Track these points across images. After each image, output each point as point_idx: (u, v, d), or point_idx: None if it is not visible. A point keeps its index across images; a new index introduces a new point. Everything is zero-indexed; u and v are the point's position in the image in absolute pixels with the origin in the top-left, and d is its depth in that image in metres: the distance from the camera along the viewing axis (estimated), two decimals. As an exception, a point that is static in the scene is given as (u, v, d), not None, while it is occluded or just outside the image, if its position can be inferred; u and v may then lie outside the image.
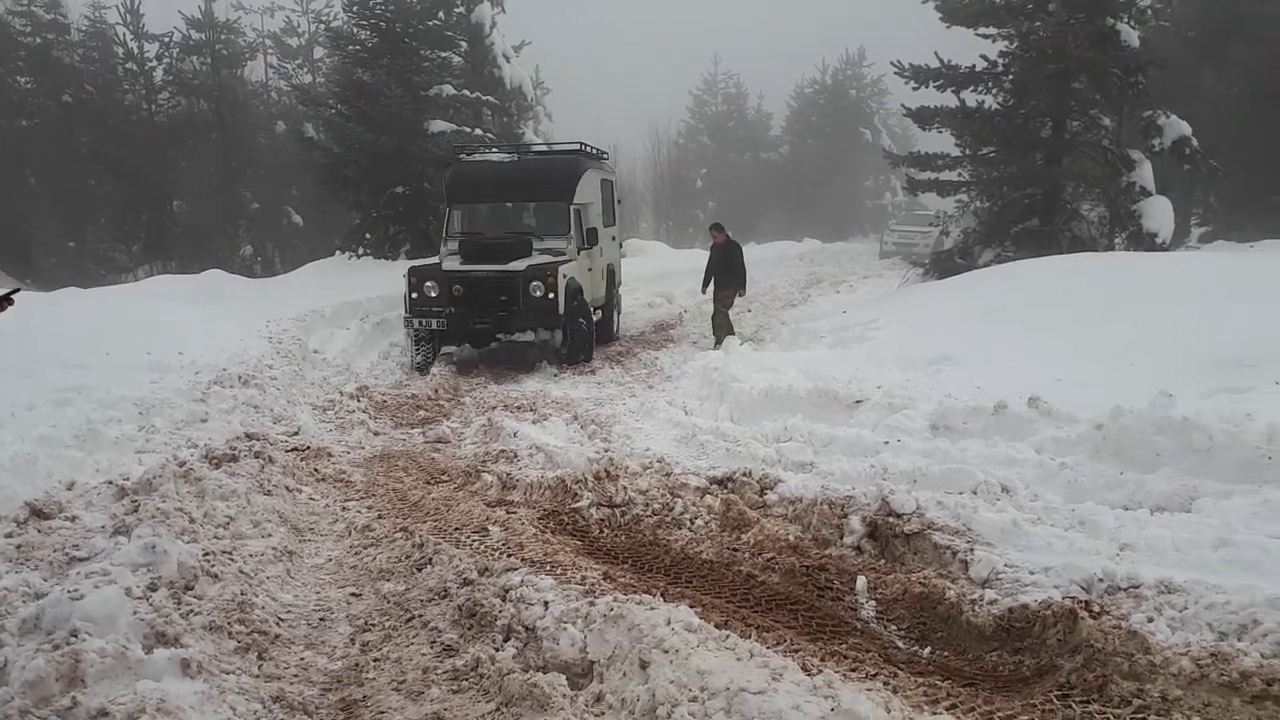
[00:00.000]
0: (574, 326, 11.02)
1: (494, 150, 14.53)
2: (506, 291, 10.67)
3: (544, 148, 14.79)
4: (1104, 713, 3.12)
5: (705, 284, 12.78)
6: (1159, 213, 15.68)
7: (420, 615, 4.15)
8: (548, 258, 11.22)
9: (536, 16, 32.94)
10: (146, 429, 7.12)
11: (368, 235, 21.08)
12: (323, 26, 30.62)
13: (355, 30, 23.27)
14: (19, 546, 4.59)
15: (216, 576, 4.27)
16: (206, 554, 4.44)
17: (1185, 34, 25.50)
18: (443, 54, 23.40)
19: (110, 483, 5.62)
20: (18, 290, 2.57)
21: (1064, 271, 11.25)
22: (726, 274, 12.47)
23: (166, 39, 31.75)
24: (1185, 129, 16.13)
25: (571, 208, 11.87)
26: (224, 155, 31.25)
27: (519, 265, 10.84)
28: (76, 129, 28.50)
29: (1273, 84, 23.92)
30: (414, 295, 10.84)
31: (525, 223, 12.33)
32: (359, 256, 20.17)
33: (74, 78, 29.75)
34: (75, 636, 3.41)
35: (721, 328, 12.23)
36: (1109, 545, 4.23)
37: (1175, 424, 5.31)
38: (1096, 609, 3.59)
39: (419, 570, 4.61)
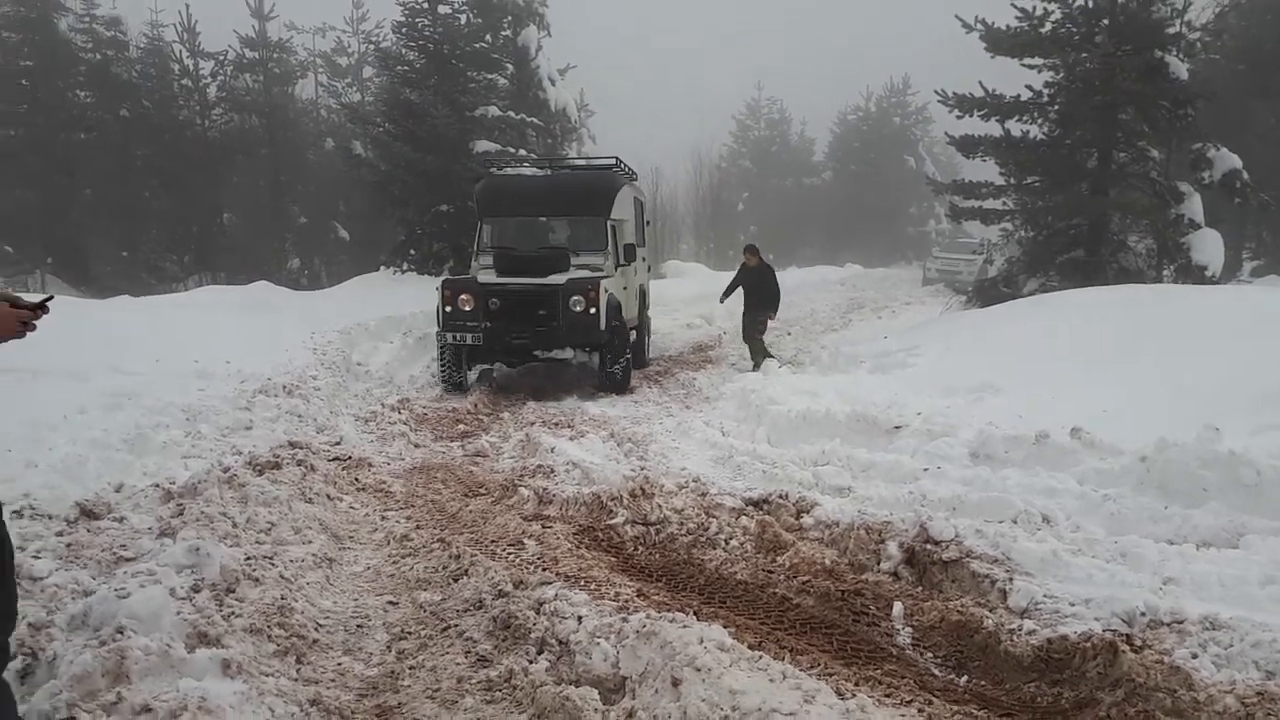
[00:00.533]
0: (613, 348, 10.61)
1: (525, 164, 14.26)
2: (545, 305, 10.26)
3: (581, 162, 14.61)
4: (1144, 748, 3.07)
5: (725, 296, 13.18)
6: (1209, 246, 15.45)
7: (456, 625, 4.18)
8: (586, 272, 10.87)
9: (582, 40, 33.30)
10: (193, 435, 7.25)
11: (412, 251, 21.36)
12: (372, 47, 31.19)
13: (404, 51, 23.70)
14: (69, 545, 4.70)
15: (258, 580, 4.33)
16: (248, 558, 4.52)
17: (1235, 67, 25.19)
18: (489, 76, 23.73)
19: (157, 486, 5.74)
20: (50, 298, 2.65)
21: (1110, 302, 11.11)
22: (759, 297, 12.39)
23: (221, 57, 32.53)
24: (1236, 162, 15.91)
25: (609, 223, 11.59)
26: (273, 170, 31.87)
27: (558, 278, 10.46)
28: (132, 143, 29.21)
29: (1328, 118, 23.48)
30: (448, 309, 10.39)
31: (559, 238, 12.02)
32: (403, 272, 20.45)
33: (131, 93, 30.52)
34: (121, 634, 3.48)
35: (759, 351, 12.22)
36: (1152, 579, 4.16)
37: (1222, 458, 5.22)
38: (1138, 643, 3.53)
39: (455, 581, 4.65)
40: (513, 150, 21.28)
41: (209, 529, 4.84)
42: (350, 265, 28.37)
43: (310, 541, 5.15)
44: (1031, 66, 17.25)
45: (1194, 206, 15.75)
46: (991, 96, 17.11)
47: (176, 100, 32.35)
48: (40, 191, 26.24)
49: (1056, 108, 16.97)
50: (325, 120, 35.98)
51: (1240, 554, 4.41)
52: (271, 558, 4.68)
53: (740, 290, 12.73)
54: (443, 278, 10.95)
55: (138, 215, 29.80)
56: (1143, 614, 3.76)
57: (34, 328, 2.54)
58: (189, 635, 3.64)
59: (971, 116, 17.51)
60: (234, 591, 4.15)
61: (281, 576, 4.51)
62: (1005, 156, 17.11)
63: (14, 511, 5.06)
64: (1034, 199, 17.28)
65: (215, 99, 33.00)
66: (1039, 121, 17.25)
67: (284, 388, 9.05)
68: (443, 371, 10.82)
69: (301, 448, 6.83)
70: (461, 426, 8.96)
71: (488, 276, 10.67)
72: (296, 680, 3.63)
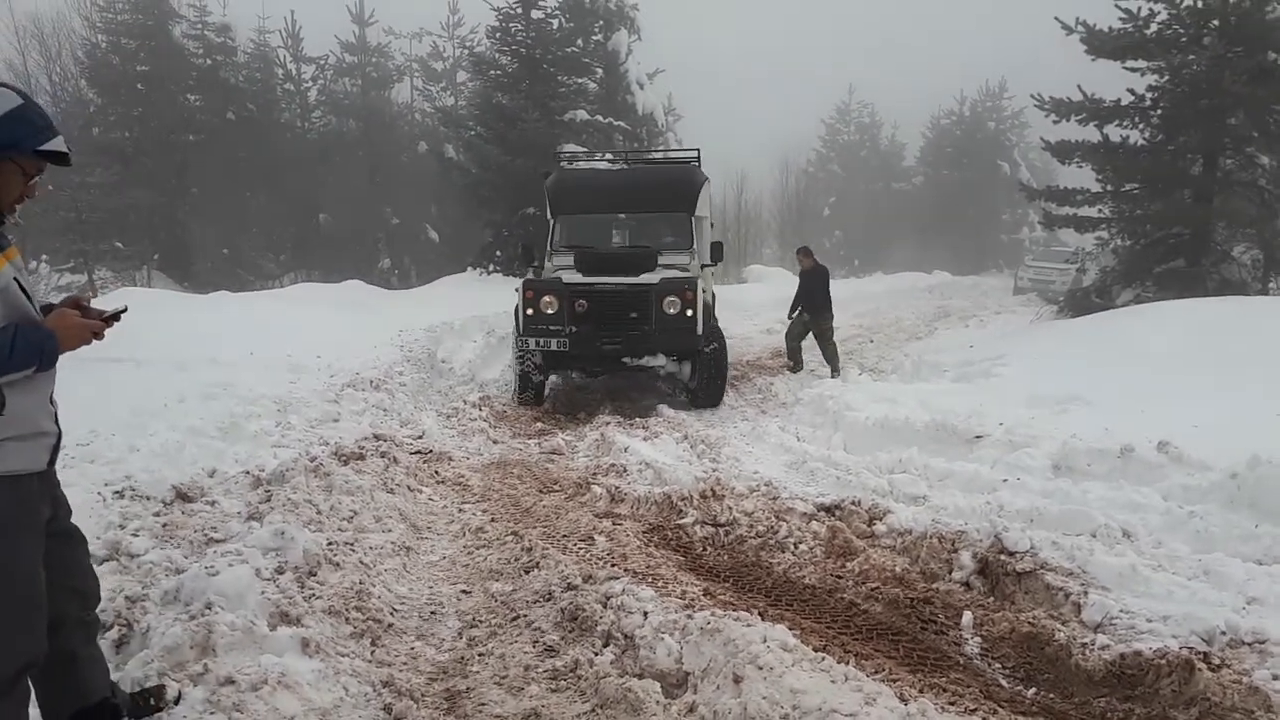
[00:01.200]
0: (709, 356, 9.72)
1: (599, 157, 13.58)
2: (638, 307, 9.39)
3: (659, 156, 13.86)
4: (1218, 770, 2.98)
5: (793, 309, 12.62)
6: (1319, 257, 14.72)
7: (525, 615, 4.28)
8: (676, 272, 10.06)
9: (671, 44, 33.41)
10: (283, 425, 7.54)
11: (499, 253, 21.76)
12: (466, 51, 31.92)
13: (497, 56, 24.18)
14: (164, 525, 4.96)
15: (338, 565, 4.51)
16: (330, 543, 4.70)
17: (1359, 69, 23.91)
18: (579, 80, 24.06)
19: (247, 473, 5.99)
20: (125, 310, 2.79)
21: (1210, 315, 10.69)
22: (820, 301, 12.14)
23: (322, 61, 33.69)
24: (1352, 169, 15.12)
25: (693, 219, 10.89)
26: (368, 172, 32.84)
27: (650, 277, 9.61)
28: (237, 144, 30.41)
29: None
30: (529, 311, 9.48)
31: (637, 237, 11.27)
32: (489, 273, 20.86)
33: (238, 97, 31.79)
34: (209, 609, 3.67)
35: (835, 356, 12.08)
36: (1235, 598, 4.03)
37: (1319, 477, 5.01)
38: (1216, 661, 3.43)
39: (526, 573, 4.76)
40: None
41: (294, 514, 5.05)
42: (439, 265, 29.05)
43: (390, 530, 5.32)
44: (1134, 69, 16.70)
45: (1305, 216, 15.04)
46: (1090, 100, 16.62)
47: (279, 103, 33.61)
48: (151, 191, 27.50)
49: (1159, 112, 16.40)
50: (419, 124, 36.90)
51: (1333, 576, 4.23)
52: (352, 544, 4.86)
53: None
54: (523, 279, 9.89)
55: (239, 214, 31.03)
56: (1223, 633, 3.64)
57: (102, 337, 2.67)
58: (271, 614, 3.82)
59: (1069, 121, 17.03)
60: (315, 574, 4.32)
61: (361, 562, 4.68)
62: (1103, 162, 16.59)
63: (115, 492, 5.37)
64: (1132, 206, 16.73)
65: (315, 102, 34.21)
66: (1140, 126, 16.69)
67: (371, 382, 9.34)
68: (519, 380, 9.97)
69: (385, 440, 7.04)
70: (539, 425, 9.12)
71: (573, 276, 9.72)
72: (370, 661, 3.77)
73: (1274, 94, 15.00)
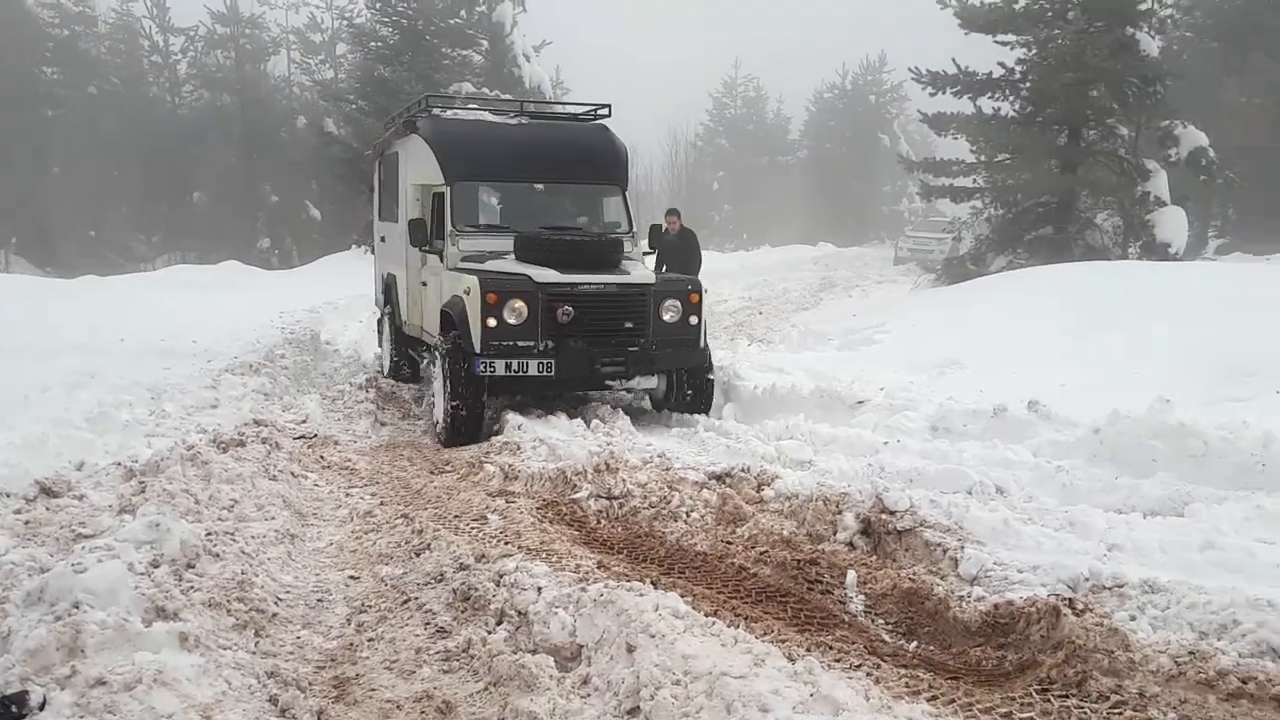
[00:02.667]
0: (704, 371, 8.08)
1: (472, 105, 10.46)
2: (634, 315, 7.53)
3: (559, 110, 10.64)
4: (1081, 708, 3.15)
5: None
6: (1173, 223, 15.66)
7: (416, 598, 4.23)
8: (642, 267, 8.40)
9: (557, 16, 33.05)
10: (157, 413, 7.24)
11: (381, 230, 21.25)
12: (345, 23, 30.93)
13: (377, 27, 23.55)
14: (27, 523, 4.70)
15: (218, 556, 4.35)
16: (209, 534, 4.53)
17: (1207, 44, 25.41)
18: (463, 52, 23.63)
19: (119, 464, 5.73)
20: None
21: (1075, 279, 11.26)
22: (685, 265, 10.03)
23: (192, 32, 32.21)
24: (1202, 140, 16.11)
25: (628, 195, 9.01)
26: (245, 148, 31.61)
27: (641, 276, 7.87)
28: (100, 120, 28.89)
29: (1294, 96, 23.76)
30: (489, 322, 7.15)
31: (559, 216, 8.78)
32: (374, 251, 20.35)
33: (99, 69, 30.19)
34: (77, 608, 3.49)
35: None
36: (1098, 546, 4.26)
37: (1171, 429, 5.35)
38: (1080, 606, 3.62)
39: (417, 555, 4.69)
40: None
41: (170, 506, 4.85)
42: (322, 244, 28.25)
43: (273, 518, 5.17)
44: (1004, 43, 17.37)
45: (1160, 184, 15.96)
46: (964, 74, 17.22)
47: (146, 77, 32.04)
48: (5, 169, 25.86)
49: (1028, 85, 17.11)
50: (298, 97, 35.70)
51: (1184, 521, 4.53)
52: (233, 534, 4.69)
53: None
54: (470, 272, 7.52)
55: (105, 194, 29.53)
56: (1086, 579, 3.85)
57: None
58: (146, 610, 3.66)
59: (944, 94, 17.64)
60: (194, 567, 4.16)
61: (243, 552, 4.53)
62: (976, 134, 17.26)
63: (-29, 490, 5.06)
64: (1004, 176, 17.45)
65: (185, 76, 32.70)
66: (1010, 99, 17.42)
67: (251, 366, 9.05)
68: (450, 417, 7.32)
69: (266, 426, 6.84)
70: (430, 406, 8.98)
71: (545, 273, 7.38)
72: (255, 653, 3.66)
73: (1131, 67, 15.82)
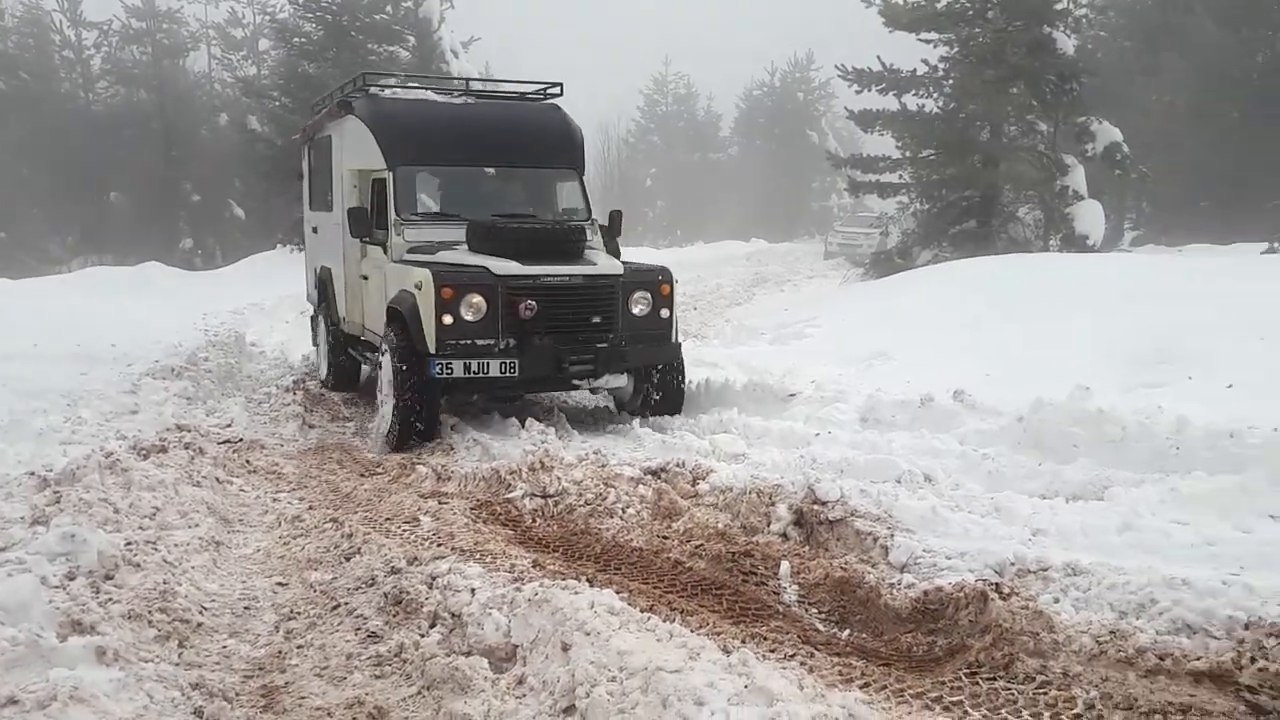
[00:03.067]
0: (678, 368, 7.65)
1: (412, 84, 9.32)
2: (601, 308, 7.06)
3: (508, 89, 9.54)
4: (1009, 689, 3.22)
5: None
6: (1090, 216, 16.15)
7: (346, 603, 4.15)
8: (606, 257, 7.74)
9: (486, 13, 32.79)
10: (73, 420, 7.00)
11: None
12: (268, 18, 30.24)
13: (301, 23, 23.08)
14: (-68, 537, 4.49)
15: (138, 566, 4.22)
16: (129, 544, 4.39)
17: (1120, 43, 26.23)
18: (390, 48, 23.30)
19: (32, 474, 5.50)
20: None
21: (997, 272, 11.54)
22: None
23: (105, 26, 31.19)
24: (1117, 135, 16.63)
25: (585, 180, 8.55)
26: (164, 146, 30.71)
27: (607, 266, 7.30)
28: (9, 117, 27.76)
29: (1201, 94, 24.67)
30: (445, 319, 6.62)
31: (512, 203, 8.26)
32: (300, 249, 19.97)
33: (6, 65, 29.01)
34: (-13, 625, 3.36)
35: None
36: (1023, 531, 4.36)
37: (1091, 416, 5.50)
38: (1006, 590, 3.70)
39: (347, 560, 4.61)
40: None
41: (87, 515, 4.68)
42: (246, 244, 27.58)
43: (197, 525, 5.02)
44: (927, 41, 17.72)
45: (1078, 178, 16.44)
46: (889, 71, 17.53)
47: (57, 73, 30.94)
48: (-94, 169, 24.79)
49: (951, 82, 17.47)
50: (219, 94, 34.80)
51: (1104, 505, 4.66)
52: (155, 543, 4.55)
53: None
54: (421, 265, 6.95)
55: (16, 193, 28.39)
56: (1012, 564, 3.94)
57: None
58: (61, 624, 3.53)
59: (870, 91, 17.93)
60: (112, 578, 4.03)
61: (165, 561, 4.39)
62: (901, 130, 17.58)
63: None
64: (929, 172, 17.82)
65: (100, 71, 31.63)
66: (934, 96, 17.77)
67: (173, 370, 8.80)
68: (401, 425, 6.84)
69: (189, 431, 6.67)
70: (358, 407, 8.82)
71: (504, 265, 6.83)
72: (178, 665, 3.56)
73: (1049, 65, 16.26)
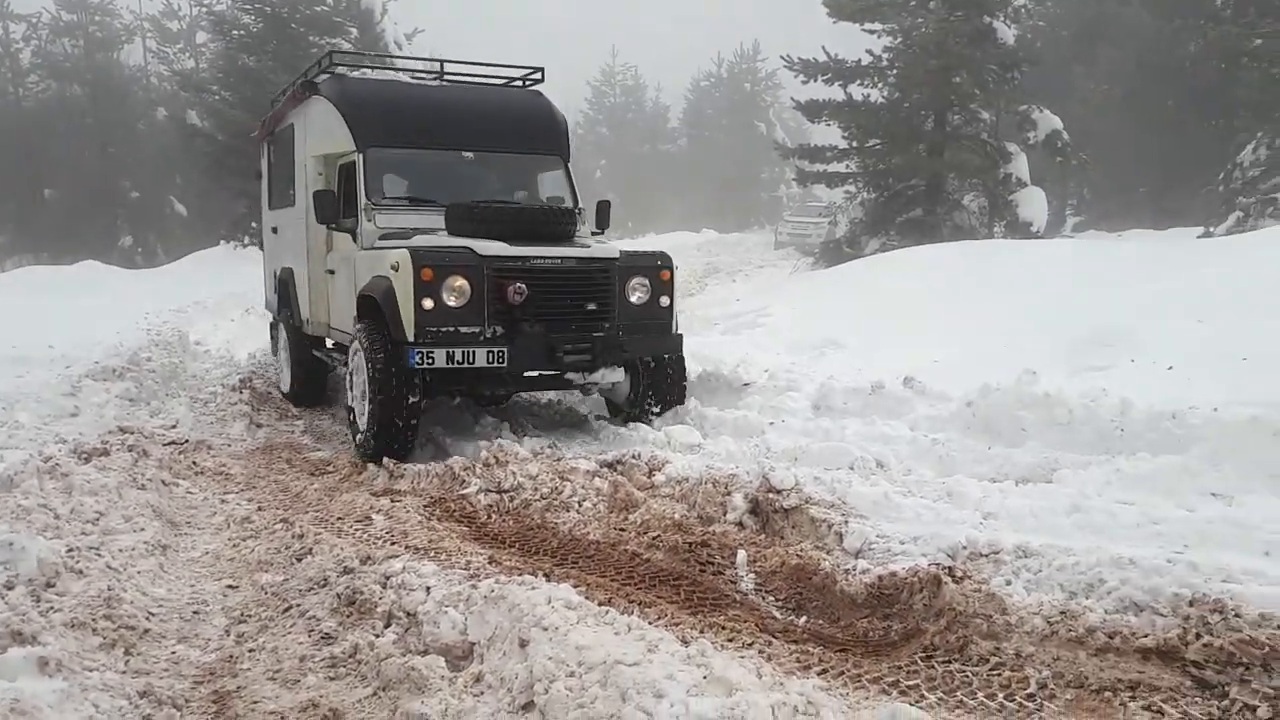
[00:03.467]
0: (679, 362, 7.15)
1: (384, 66, 9.09)
2: (597, 294, 6.51)
3: (484, 71, 8.55)
4: (963, 671, 3.27)
5: None
6: (1033, 203, 16.45)
7: (299, 605, 4.07)
8: (596, 242, 7.35)
9: (429, 2, 32.38)
10: (9, 425, 6.80)
11: (254, 224, 20.53)
12: (205, 10, 29.55)
13: (239, 14, 22.62)
14: None
15: (81, 573, 4.10)
16: (70, 550, 4.26)
17: (1059, 33, 26.70)
18: (331, 40, 22.91)
19: (-34, 481, 5.33)
20: None
21: (944, 259, 11.69)
22: None
23: (34, 19, 30.24)
24: (1057, 123, 16.95)
25: (570, 168, 8.09)
26: (99, 142, 29.92)
27: (602, 250, 6.77)
28: (-66, 113, 26.89)
29: (1138, 82, 25.22)
30: (426, 304, 6.01)
31: (491, 189, 7.72)
32: (244, 246, 19.67)
33: (-69, 58, 28.04)
34: (-79, 639, 3.24)
35: None
36: (974, 515, 4.42)
37: (1039, 399, 5.60)
38: (959, 574, 3.75)
39: (299, 560, 4.53)
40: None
41: (25, 522, 4.54)
42: (188, 240, 27.03)
43: (142, 529, 4.90)
44: (872, 31, 17.88)
45: (1020, 165, 16.73)
46: (834, 61, 17.66)
47: (-16, 66, 29.91)
48: None
49: (895, 72, 17.66)
50: (156, 88, 33.95)
51: (1053, 487, 4.74)
52: (98, 548, 4.42)
53: None
54: (407, 244, 6.40)
55: (-56, 193, 27.53)
56: (964, 547, 3.99)
57: None
58: (0, 635, 3.42)
59: (816, 81, 18.06)
60: (54, 586, 3.91)
61: (109, 567, 4.28)
62: (848, 120, 17.73)
63: None
64: (875, 161, 18.01)
65: (30, 65, 30.69)
66: (879, 85, 17.95)
67: (114, 371, 8.57)
68: (378, 423, 6.20)
69: (133, 433, 6.51)
70: (309, 403, 8.69)
71: (489, 246, 6.25)
72: (125, 673, 3.46)
73: (990, 55, 16.51)
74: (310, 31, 22.41)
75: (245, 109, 20.57)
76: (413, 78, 8.29)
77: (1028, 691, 3.07)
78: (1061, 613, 3.38)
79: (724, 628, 3.71)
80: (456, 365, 6.05)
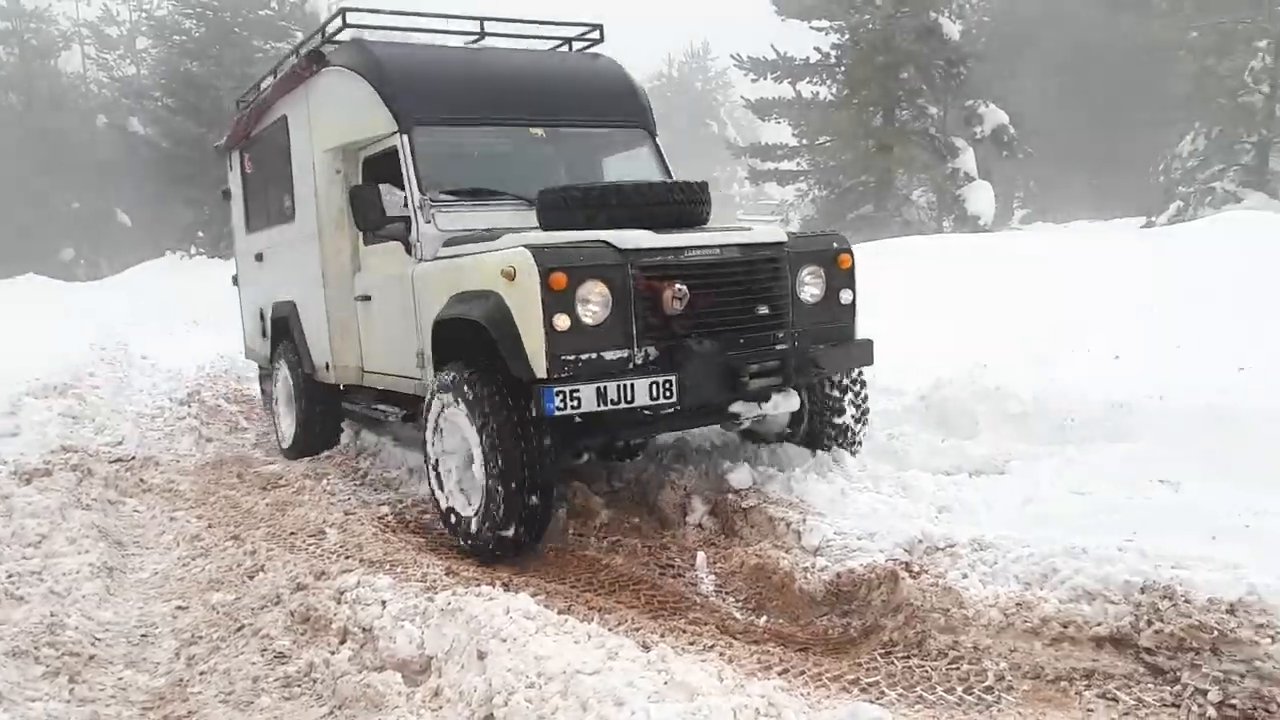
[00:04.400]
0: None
1: (405, 28, 7.07)
2: (769, 295, 4.78)
3: (531, 32, 6.83)
4: (923, 666, 3.28)
5: None
6: (981, 197, 16.68)
7: (251, 624, 3.98)
8: (745, 224, 6.07)
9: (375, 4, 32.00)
10: (-54, 447, 6.58)
11: (200, 234, 20.20)
12: (145, 15, 28.99)
13: (180, 19, 22.22)
14: None
15: (22, 599, 3.98)
16: (10, 576, 4.15)
17: (1003, 29, 27.12)
18: (277, 45, 22.59)
19: (-100, 507, 5.16)
20: None
21: (894, 255, 11.78)
22: None
23: (-35, 27, 29.41)
24: (1003, 117, 17.21)
25: (659, 143, 6.70)
26: (37, 152, 29.16)
27: (765, 233, 5.10)
28: None
29: (1079, 76, 25.71)
30: (559, 323, 4.16)
31: (558, 172, 6.06)
32: (192, 256, 19.32)
33: None
34: None
35: None
36: (929, 509, 4.46)
37: (990, 392, 5.66)
38: (916, 569, 3.77)
39: (251, 578, 4.43)
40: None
41: (-37, 548, 4.40)
42: (134, 252, 26.44)
43: (87, 551, 4.76)
44: (819, 29, 18.01)
45: (968, 160, 16.95)
46: (783, 59, 17.77)
47: (-87, 76, 29.05)
48: None
49: (843, 69, 17.80)
50: (96, 96, 33.20)
51: (1006, 479, 4.80)
52: (40, 573, 4.31)
53: None
54: (511, 243, 4.51)
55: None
56: (920, 541, 4.01)
57: None
58: (-63, 668, 3.31)
59: (766, 79, 18.15)
60: (-7, 614, 3.80)
61: (52, 591, 4.16)
62: (798, 117, 17.86)
63: None
64: (825, 158, 18.14)
65: (-39, 74, 29.84)
66: (828, 83, 18.08)
67: (56, 388, 8.36)
68: (507, 509, 4.37)
69: (76, 451, 6.35)
70: (258, 416, 8.53)
71: (633, 238, 4.45)
72: (69, 702, 3.36)
73: (937, 51, 16.70)
74: (254, 36, 22.09)
75: (190, 116, 20.23)
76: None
77: (986, 684, 3.09)
78: (1017, 604, 3.41)
79: (685, 631, 3.69)
80: (611, 406, 4.27)
